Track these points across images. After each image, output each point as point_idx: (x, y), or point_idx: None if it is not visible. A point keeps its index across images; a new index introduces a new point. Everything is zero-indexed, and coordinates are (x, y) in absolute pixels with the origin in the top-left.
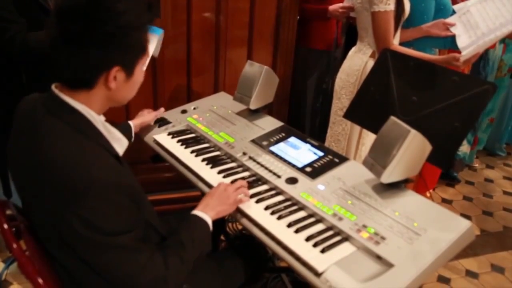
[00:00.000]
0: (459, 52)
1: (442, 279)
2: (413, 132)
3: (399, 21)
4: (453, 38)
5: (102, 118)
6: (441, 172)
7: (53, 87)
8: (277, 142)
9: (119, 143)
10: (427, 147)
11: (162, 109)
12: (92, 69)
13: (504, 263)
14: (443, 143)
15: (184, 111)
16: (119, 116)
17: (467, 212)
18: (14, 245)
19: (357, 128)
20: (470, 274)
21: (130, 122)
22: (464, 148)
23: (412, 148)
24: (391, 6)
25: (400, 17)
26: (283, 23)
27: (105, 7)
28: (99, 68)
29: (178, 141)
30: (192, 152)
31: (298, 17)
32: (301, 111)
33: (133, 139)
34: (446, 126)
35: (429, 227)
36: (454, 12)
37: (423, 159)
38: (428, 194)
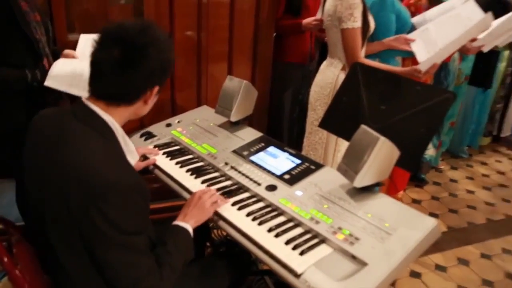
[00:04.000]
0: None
1: (414, 274)
2: (382, 139)
3: (365, 37)
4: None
5: (122, 129)
6: (410, 174)
7: (83, 99)
8: (257, 151)
9: (132, 155)
10: (395, 153)
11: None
12: (137, 89)
13: (469, 256)
14: (410, 148)
15: (168, 125)
16: None
17: (435, 211)
18: (5, 259)
19: (333, 136)
20: (439, 268)
21: None
22: (430, 152)
23: (382, 154)
24: (358, 24)
25: (366, 33)
26: (261, 39)
27: (158, 46)
28: (144, 89)
29: (164, 153)
30: (177, 163)
31: (275, 34)
32: (279, 122)
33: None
34: (412, 132)
35: (399, 226)
36: (413, 26)
37: (392, 164)
38: (399, 196)
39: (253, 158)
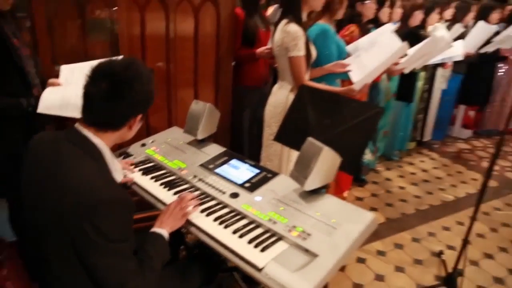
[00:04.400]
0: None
1: (360, 260)
2: (326, 149)
3: (309, 63)
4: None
5: (110, 151)
6: (353, 176)
7: (77, 125)
8: (221, 164)
9: (118, 173)
10: (337, 159)
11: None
12: (123, 117)
13: (403, 241)
14: (350, 155)
15: (143, 145)
16: None
17: (375, 205)
18: None
19: (286, 148)
20: (380, 253)
21: None
22: (368, 156)
23: (326, 161)
24: (302, 52)
25: (309, 60)
26: (221, 67)
27: (141, 79)
28: (129, 117)
29: (140, 170)
30: (152, 178)
31: (234, 62)
32: (240, 137)
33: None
34: (351, 141)
35: (343, 221)
36: (348, 54)
37: (335, 169)
38: (345, 195)
39: (218, 170)
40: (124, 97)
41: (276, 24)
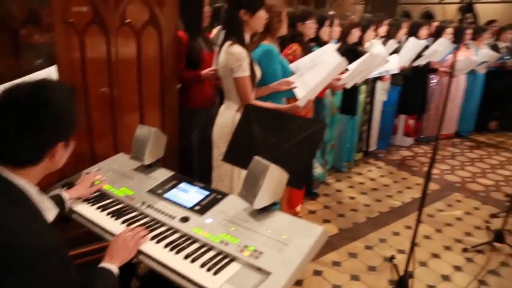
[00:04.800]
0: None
1: (316, 273)
2: (272, 166)
3: (254, 83)
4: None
5: (36, 188)
6: (304, 190)
7: None
8: (170, 189)
9: (50, 211)
10: (284, 175)
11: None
12: (39, 150)
13: (356, 250)
14: (297, 170)
15: (88, 173)
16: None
17: (327, 217)
18: None
19: (236, 167)
20: (335, 264)
21: (66, 194)
22: (319, 170)
23: (273, 178)
24: (247, 73)
25: (254, 80)
26: (167, 90)
27: (51, 106)
28: (45, 148)
29: (84, 200)
30: (98, 208)
31: (179, 84)
32: (190, 160)
33: (67, 209)
34: (298, 157)
35: (294, 237)
36: (292, 72)
37: (283, 185)
38: (298, 209)
39: (166, 195)
40: (32, 129)
41: (220, 46)
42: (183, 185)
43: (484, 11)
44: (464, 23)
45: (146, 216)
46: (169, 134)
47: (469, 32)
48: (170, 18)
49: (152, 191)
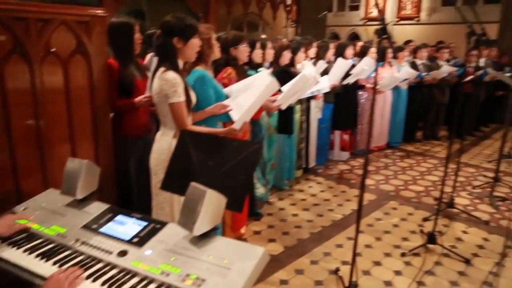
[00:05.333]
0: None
1: None
2: (209, 191)
3: (189, 108)
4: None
5: None
6: (247, 212)
7: None
8: (106, 222)
9: None
10: (222, 200)
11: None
12: None
13: (303, 266)
14: (235, 193)
15: (13, 214)
16: None
17: (272, 237)
18: None
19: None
20: (283, 282)
21: None
22: (261, 190)
23: (211, 203)
24: (182, 98)
25: (190, 105)
26: (99, 120)
27: None
28: None
29: (9, 243)
30: (25, 251)
31: (113, 113)
32: (128, 189)
33: None
34: (235, 179)
35: (235, 260)
36: (227, 96)
37: (222, 209)
38: (242, 231)
39: (102, 229)
40: None
41: (154, 73)
42: (119, 217)
43: (402, 32)
44: (381, 43)
45: (81, 254)
46: (104, 165)
47: (390, 51)
48: (98, 46)
49: (86, 227)
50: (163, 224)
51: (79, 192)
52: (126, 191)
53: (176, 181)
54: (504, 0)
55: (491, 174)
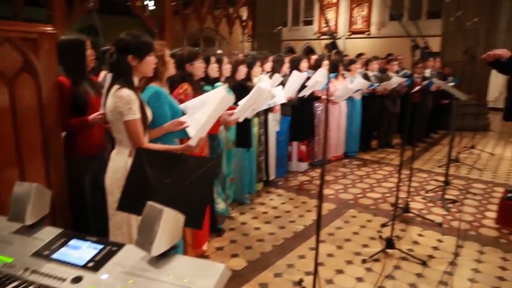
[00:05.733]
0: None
1: None
2: (166, 210)
3: (146, 125)
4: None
5: None
6: (209, 228)
7: None
8: (58, 248)
9: None
10: (180, 217)
11: None
12: None
13: (266, 279)
14: (194, 210)
15: None
16: None
17: (235, 252)
18: None
19: None
20: None
21: None
22: (221, 205)
23: (168, 222)
24: (137, 115)
25: (146, 122)
26: (50, 139)
27: None
28: None
29: None
30: None
31: (65, 132)
32: (83, 211)
33: None
34: (193, 196)
35: (196, 279)
36: (183, 112)
37: (180, 227)
38: (204, 248)
39: (54, 255)
40: None
41: (108, 90)
42: (73, 241)
43: (354, 45)
44: (331, 57)
45: (31, 283)
46: (56, 187)
47: (343, 63)
48: (47, 64)
49: (37, 254)
50: (120, 246)
51: (28, 218)
52: (81, 213)
53: (132, 200)
54: (445, 14)
55: (442, 178)
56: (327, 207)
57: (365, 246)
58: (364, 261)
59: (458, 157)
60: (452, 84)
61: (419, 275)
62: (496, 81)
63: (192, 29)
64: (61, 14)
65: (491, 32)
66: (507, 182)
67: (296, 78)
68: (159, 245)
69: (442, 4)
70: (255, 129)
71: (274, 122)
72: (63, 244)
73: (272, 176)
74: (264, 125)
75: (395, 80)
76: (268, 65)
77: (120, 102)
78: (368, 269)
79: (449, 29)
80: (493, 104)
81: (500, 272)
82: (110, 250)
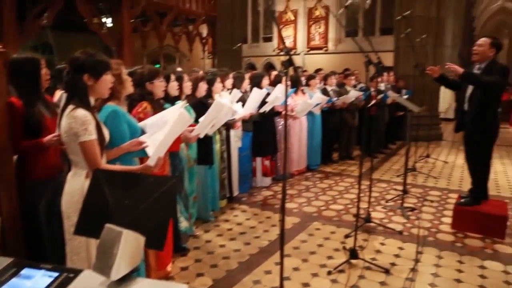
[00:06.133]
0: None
1: None
2: (125, 232)
3: (103, 146)
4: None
5: None
6: (172, 248)
7: None
8: (8, 279)
9: None
10: (141, 239)
11: None
12: None
13: None
14: (155, 230)
15: None
16: None
17: (200, 271)
18: None
19: None
20: None
21: None
22: (185, 224)
23: (128, 244)
24: (94, 136)
25: (103, 143)
26: (1, 163)
27: None
28: None
29: None
30: None
31: (17, 156)
32: (39, 237)
33: None
34: (154, 217)
35: None
36: (143, 131)
37: (141, 249)
38: (168, 269)
39: (4, 287)
40: None
41: (62, 110)
42: (25, 271)
43: (313, 61)
44: (288, 73)
45: None
46: (8, 214)
47: (302, 79)
48: None
49: None
50: (77, 272)
51: None
52: (36, 240)
53: (90, 223)
54: (397, 31)
55: (401, 187)
56: (291, 220)
57: (330, 257)
58: (329, 272)
59: (414, 166)
60: (405, 97)
61: (382, 283)
62: (446, 92)
63: (152, 47)
64: (12, 30)
65: (438, 47)
66: (460, 188)
67: (257, 95)
68: (119, 269)
69: (394, 22)
70: (217, 146)
71: (235, 138)
72: (14, 274)
73: (236, 192)
74: (226, 141)
75: (353, 94)
76: (229, 82)
77: (75, 123)
78: (334, 281)
79: (401, 45)
80: (444, 115)
81: (457, 275)
82: (66, 277)
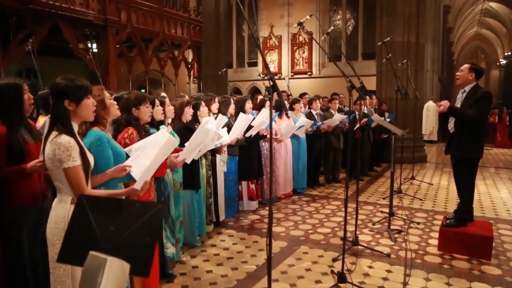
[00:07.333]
0: None
1: None
2: (109, 259)
3: (88, 171)
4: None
5: None
6: (158, 274)
7: None
8: None
9: None
10: (126, 266)
11: None
12: None
13: None
14: (140, 257)
15: None
16: None
17: None
18: None
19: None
20: None
21: None
22: (171, 250)
23: (112, 272)
24: (78, 162)
25: (88, 169)
26: None
27: None
28: None
29: None
30: None
31: None
32: (21, 267)
33: None
34: (140, 242)
35: None
36: (127, 156)
37: (126, 276)
38: None
39: None
40: None
41: (46, 137)
42: None
43: (297, 85)
44: (272, 98)
45: None
46: None
47: (287, 103)
48: None
49: None
50: None
51: None
52: (18, 270)
53: (74, 251)
54: (378, 56)
55: (387, 210)
56: (278, 244)
57: (318, 282)
58: None
59: (400, 188)
60: (388, 120)
61: None
62: (429, 116)
63: (138, 71)
64: None
65: (418, 71)
66: (446, 209)
67: (243, 120)
68: None
69: (375, 47)
70: (203, 171)
71: (221, 163)
72: None
73: (222, 217)
74: (212, 166)
75: (337, 117)
76: (215, 106)
77: (59, 149)
78: None
79: (383, 69)
80: (428, 137)
81: None
82: None
